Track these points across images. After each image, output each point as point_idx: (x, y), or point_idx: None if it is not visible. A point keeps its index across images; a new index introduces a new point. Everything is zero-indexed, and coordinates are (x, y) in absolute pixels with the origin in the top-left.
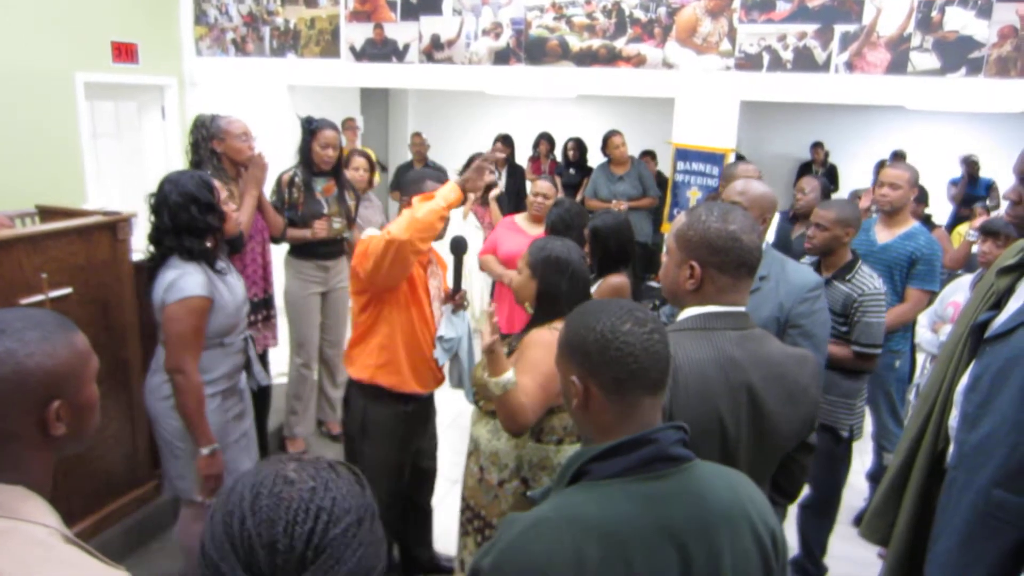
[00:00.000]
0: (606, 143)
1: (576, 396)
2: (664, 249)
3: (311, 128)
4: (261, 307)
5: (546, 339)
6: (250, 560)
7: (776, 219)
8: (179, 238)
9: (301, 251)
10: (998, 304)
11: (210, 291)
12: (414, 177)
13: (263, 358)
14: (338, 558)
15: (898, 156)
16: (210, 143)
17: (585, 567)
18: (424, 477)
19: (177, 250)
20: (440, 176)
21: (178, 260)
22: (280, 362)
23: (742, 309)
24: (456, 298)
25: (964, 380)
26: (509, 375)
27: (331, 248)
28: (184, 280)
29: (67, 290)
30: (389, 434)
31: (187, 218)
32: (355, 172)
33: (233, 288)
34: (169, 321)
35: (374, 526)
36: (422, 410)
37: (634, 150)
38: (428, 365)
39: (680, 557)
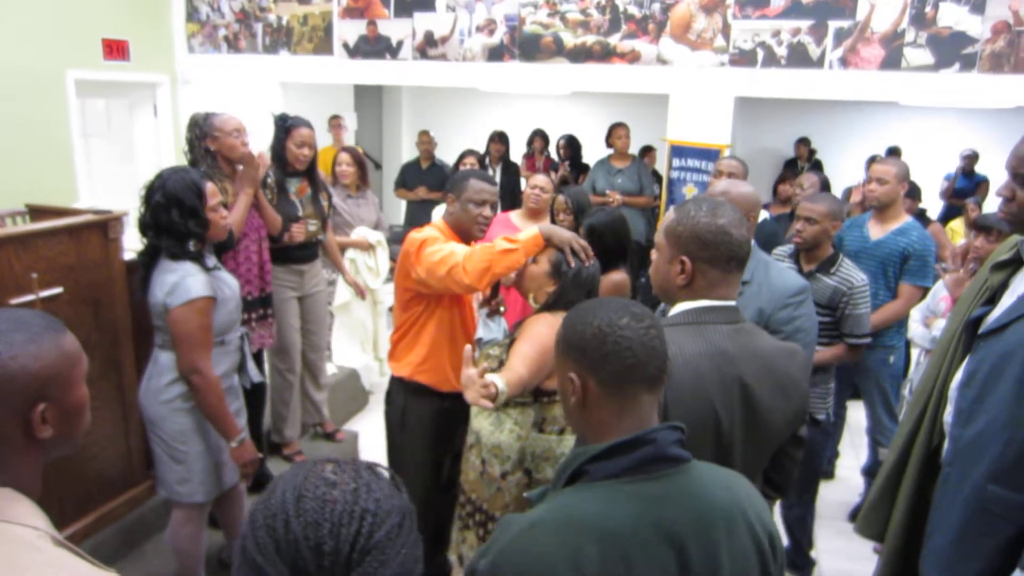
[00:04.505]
0: (610, 134)
1: (574, 394)
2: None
3: (286, 126)
4: (257, 305)
5: (548, 319)
6: (296, 562)
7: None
8: (159, 237)
9: (274, 256)
10: (992, 300)
11: (212, 290)
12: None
13: (258, 357)
14: (383, 560)
15: (893, 152)
16: (203, 142)
17: (584, 569)
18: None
19: (163, 250)
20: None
21: (170, 261)
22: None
23: (732, 303)
24: (493, 303)
25: (958, 376)
26: (501, 387)
27: (305, 252)
28: (186, 282)
29: (58, 290)
30: (428, 429)
31: (167, 220)
32: (338, 168)
33: (230, 284)
34: (177, 324)
35: (414, 527)
36: (461, 407)
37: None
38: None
39: (678, 558)
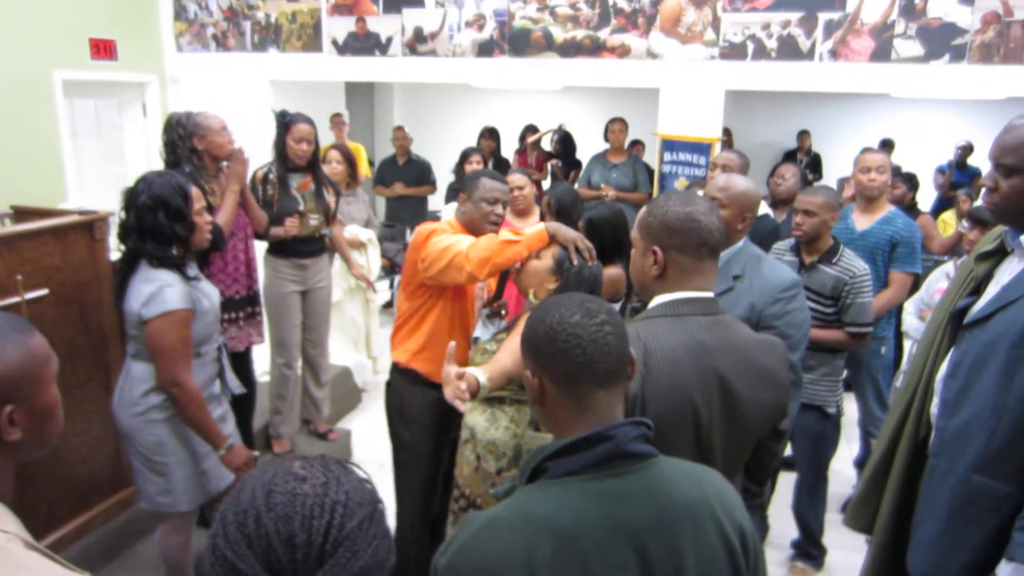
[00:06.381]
0: (607, 129)
1: (532, 391)
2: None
3: (285, 122)
4: (245, 304)
5: None
6: (269, 557)
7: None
8: (143, 241)
9: (278, 249)
10: (977, 290)
11: (191, 302)
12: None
13: (247, 356)
14: (355, 551)
15: (886, 145)
16: (190, 141)
17: (537, 567)
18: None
19: (144, 255)
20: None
21: (149, 269)
22: (265, 360)
23: (710, 295)
24: (494, 305)
25: (944, 367)
26: (483, 380)
27: (309, 246)
28: (164, 293)
29: (43, 291)
30: (425, 420)
31: (152, 222)
32: (327, 166)
33: (210, 295)
34: (155, 336)
35: (383, 519)
36: None
37: None
38: (466, 358)
39: (638, 556)
